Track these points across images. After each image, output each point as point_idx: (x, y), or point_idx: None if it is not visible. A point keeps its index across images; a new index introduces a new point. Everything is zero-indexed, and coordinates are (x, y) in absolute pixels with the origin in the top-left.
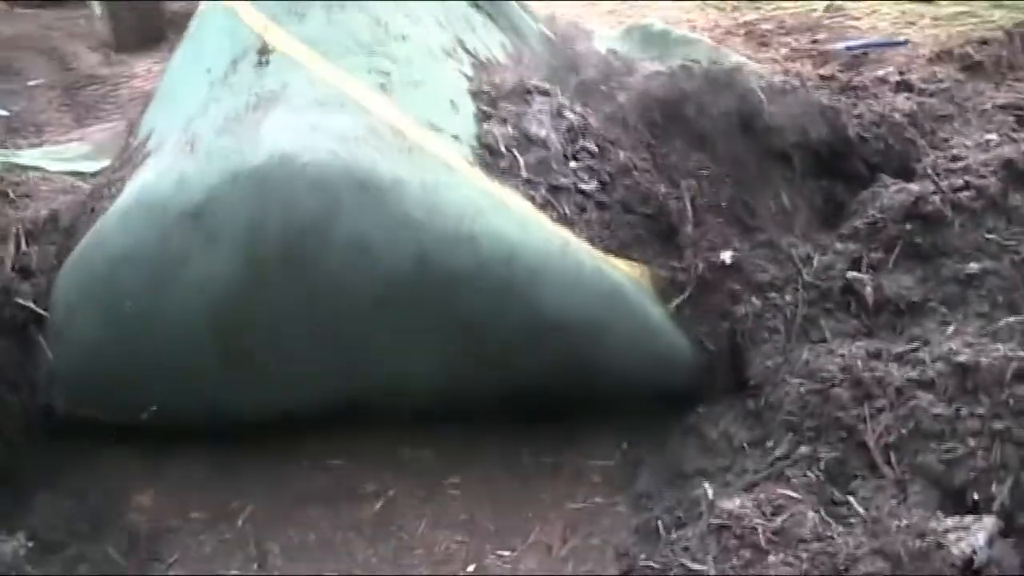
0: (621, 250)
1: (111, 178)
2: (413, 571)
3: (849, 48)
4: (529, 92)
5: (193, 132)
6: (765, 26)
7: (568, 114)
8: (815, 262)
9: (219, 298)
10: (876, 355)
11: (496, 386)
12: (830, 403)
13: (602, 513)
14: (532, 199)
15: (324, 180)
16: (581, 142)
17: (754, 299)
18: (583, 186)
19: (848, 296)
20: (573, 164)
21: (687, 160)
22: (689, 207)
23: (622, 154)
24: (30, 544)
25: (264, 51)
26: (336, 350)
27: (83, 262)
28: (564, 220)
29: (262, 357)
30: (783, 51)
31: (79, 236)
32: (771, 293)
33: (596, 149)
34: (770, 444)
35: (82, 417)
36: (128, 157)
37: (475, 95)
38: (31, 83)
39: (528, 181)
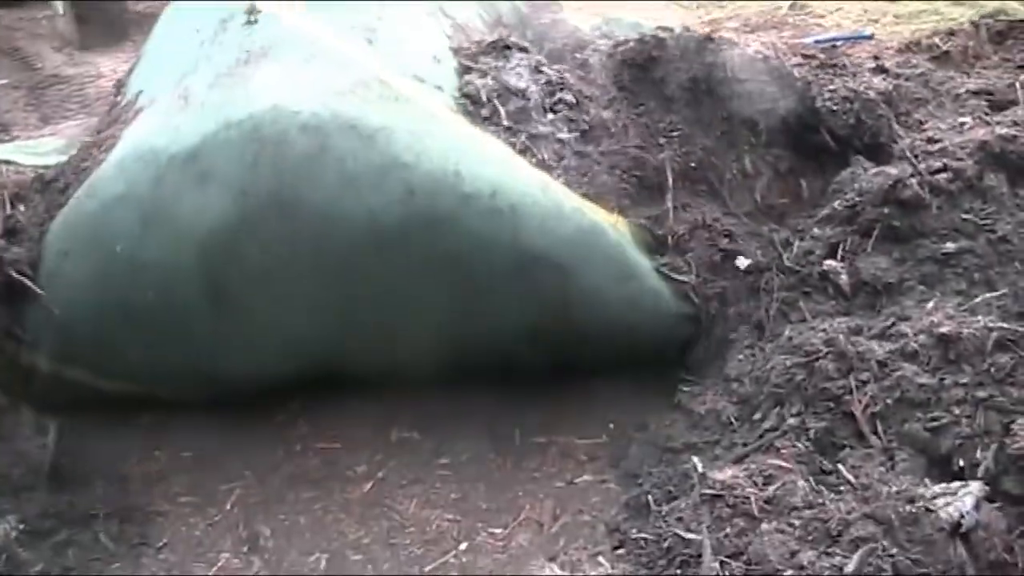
0: (597, 197)
1: (98, 138)
2: (405, 550)
3: (817, 42)
4: (508, 48)
5: (185, 87)
6: (731, 24)
7: (545, 70)
8: (795, 247)
9: (209, 233)
10: (857, 331)
11: (483, 323)
12: (816, 375)
13: (592, 490)
14: (512, 145)
15: (315, 125)
16: (559, 95)
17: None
18: (561, 135)
19: (826, 281)
20: (551, 115)
21: (658, 121)
22: (668, 167)
23: (597, 109)
24: (21, 527)
25: (252, 11)
26: (324, 287)
27: (76, 209)
28: (543, 165)
29: (249, 294)
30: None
31: (69, 192)
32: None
33: (574, 102)
34: (757, 417)
35: (68, 381)
36: (116, 115)
37: (456, 51)
38: None
39: (508, 128)
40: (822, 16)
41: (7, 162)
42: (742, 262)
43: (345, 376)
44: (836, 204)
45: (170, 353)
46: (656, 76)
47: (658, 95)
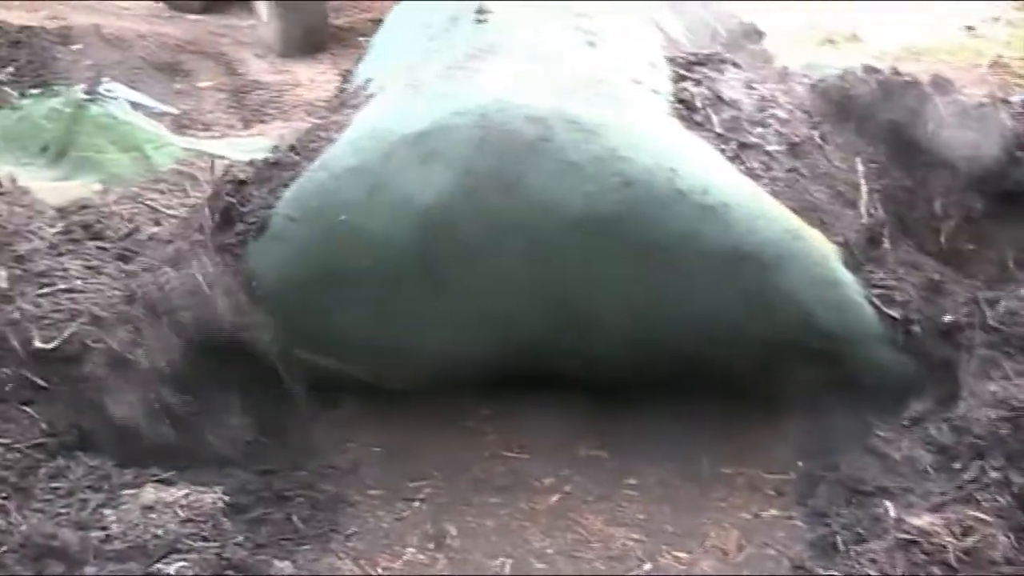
0: (801, 210)
1: (327, 121)
2: (588, 564)
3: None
4: (724, 62)
5: (416, 77)
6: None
7: (757, 87)
8: (1000, 306)
9: (430, 206)
10: None
11: (688, 316)
12: (1021, 430)
13: (778, 525)
14: (722, 151)
15: (539, 117)
16: (770, 110)
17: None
18: (769, 147)
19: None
20: (760, 128)
21: (859, 152)
22: (864, 187)
23: (806, 129)
24: (226, 499)
25: (482, 11)
26: (535, 265)
27: (309, 179)
28: (751, 173)
29: (462, 269)
30: None
31: (297, 171)
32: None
33: (784, 118)
34: (957, 467)
35: (272, 354)
36: (344, 100)
37: (671, 60)
38: (200, 85)
39: (720, 135)
40: (1022, 76)
41: (220, 156)
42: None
43: (545, 364)
44: None
45: (377, 325)
46: (857, 113)
47: (860, 130)
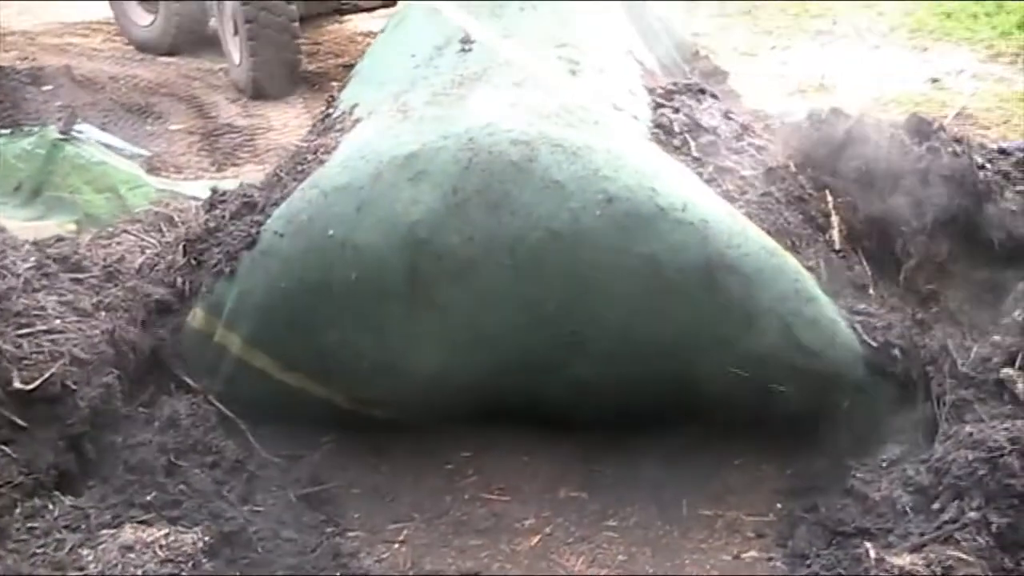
0: (774, 234)
1: (312, 144)
2: None
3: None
4: (703, 92)
5: (404, 102)
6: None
7: (734, 116)
8: (972, 353)
9: (417, 221)
10: None
11: (670, 328)
12: (999, 471)
13: (758, 566)
14: (700, 174)
15: (525, 140)
16: (747, 139)
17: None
18: (745, 172)
19: (1002, 388)
20: (736, 156)
21: (828, 184)
22: (835, 217)
23: (780, 157)
24: (206, 539)
25: (467, 40)
26: (520, 280)
27: (299, 198)
28: (726, 195)
29: (447, 285)
30: None
31: (286, 192)
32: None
33: (760, 145)
34: (936, 507)
35: (252, 370)
36: (330, 125)
37: (650, 89)
38: (172, 127)
39: (697, 159)
40: (987, 128)
41: (196, 198)
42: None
43: (528, 382)
44: (1017, 314)
45: (361, 342)
46: (828, 150)
47: (832, 170)
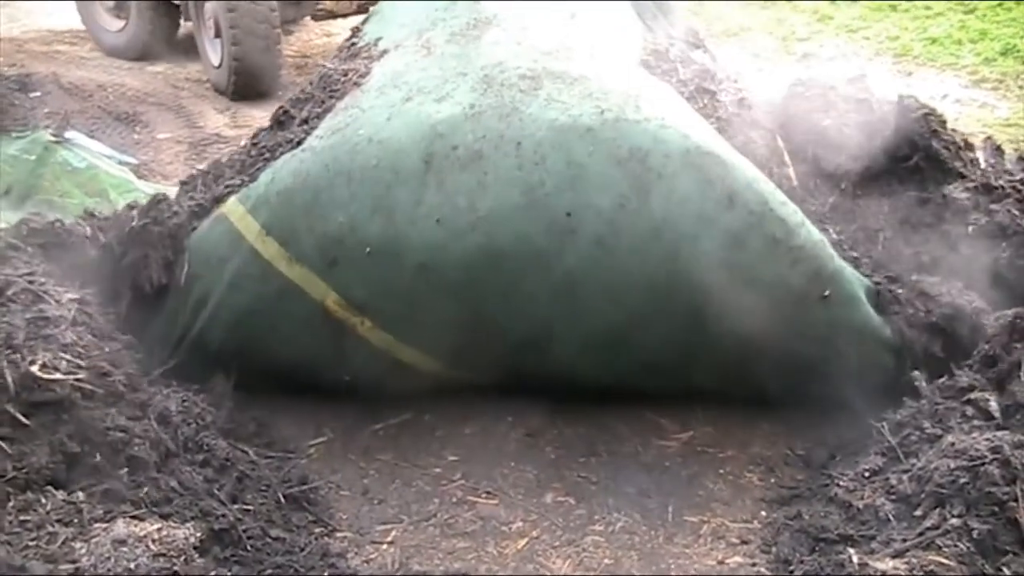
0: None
1: (340, 68)
2: None
3: None
4: (696, 44)
5: (427, 39)
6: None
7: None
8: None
9: (438, 122)
10: (1020, 445)
11: (657, 211)
12: (980, 479)
13: (742, 572)
14: (681, 93)
15: (531, 76)
16: (730, 81)
17: None
18: (721, 98)
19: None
20: (718, 87)
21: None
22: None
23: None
24: (199, 535)
25: None
26: (521, 167)
27: (341, 110)
28: (702, 112)
29: (458, 174)
30: None
31: (324, 107)
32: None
33: (739, 87)
34: (918, 515)
35: (260, 261)
36: (355, 53)
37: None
38: (159, 136)
39: (682, 82)
40: None
41: None
42: None
43: (522, 271)
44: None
45: (369, 226)
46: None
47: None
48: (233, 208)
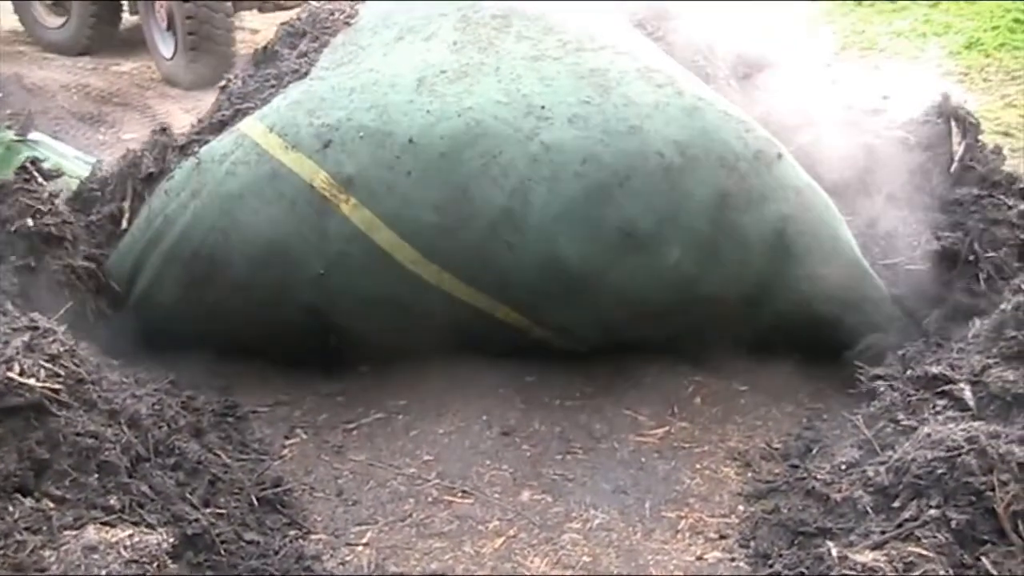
0: None
1: (328, 7)
2: None
3: None
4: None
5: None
6: None
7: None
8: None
9: (428, 65)
10: (995, 435)
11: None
12: (958, 470)
13: (721, 566)
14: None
15: (502, 13)
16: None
17: None
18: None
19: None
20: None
21: None
22: None
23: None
24: (171, 540)
25: None
26: (503, 79)
27: (339, 43)
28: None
29: (448, 86)
30: None
31: (320, 42)
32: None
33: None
34: (896, 506)
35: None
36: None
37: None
38: (124, 137)
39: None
40: None
41: None
42: None
43: (499, 149)
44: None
45: (362, 118)
46: None
47: None
48: (247, 123)
